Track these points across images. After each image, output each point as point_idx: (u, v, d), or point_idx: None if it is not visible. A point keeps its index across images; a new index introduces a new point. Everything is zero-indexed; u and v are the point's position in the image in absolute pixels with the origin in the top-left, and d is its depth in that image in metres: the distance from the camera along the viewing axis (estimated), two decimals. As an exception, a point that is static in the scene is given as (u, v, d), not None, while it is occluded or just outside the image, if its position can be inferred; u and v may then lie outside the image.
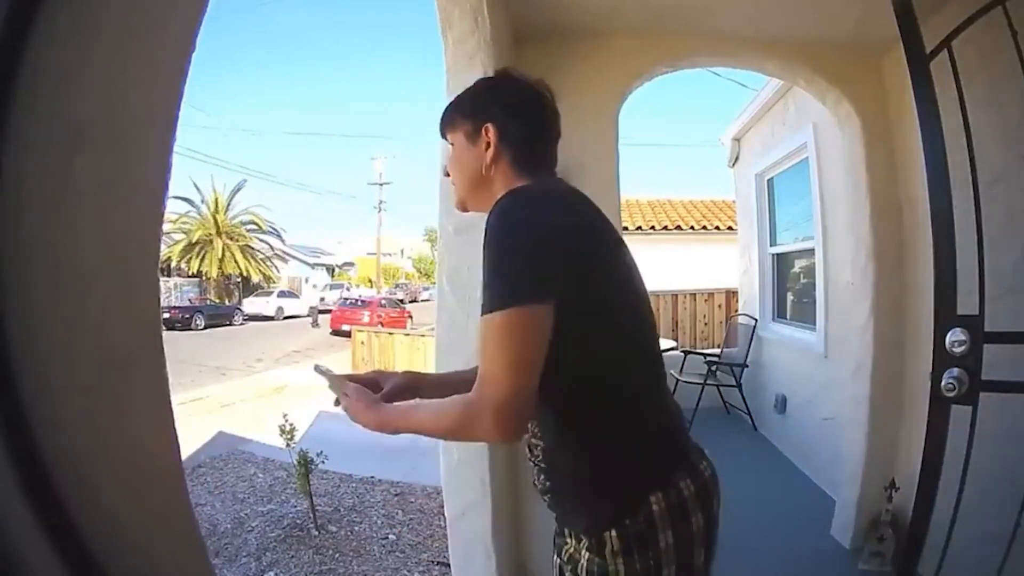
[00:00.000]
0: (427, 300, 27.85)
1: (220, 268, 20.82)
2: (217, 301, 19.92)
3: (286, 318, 19.33)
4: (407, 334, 10.64)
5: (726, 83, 6.54)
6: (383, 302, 18.16)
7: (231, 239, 21.60)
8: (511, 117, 0.88)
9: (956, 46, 1.29)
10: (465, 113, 0.91)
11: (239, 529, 3.02)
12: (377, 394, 0.92)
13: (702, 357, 4.54)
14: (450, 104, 0.95)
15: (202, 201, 21.67)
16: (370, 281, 31.51)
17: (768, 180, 4.16)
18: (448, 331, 1.75)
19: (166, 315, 14.59)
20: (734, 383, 4.17)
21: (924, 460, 1.29)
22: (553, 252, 0.73)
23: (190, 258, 20.51)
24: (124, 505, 0.61)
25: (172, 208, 20.01)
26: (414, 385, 0.99)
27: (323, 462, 2.99)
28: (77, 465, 0.56)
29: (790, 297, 4.02)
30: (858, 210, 2.34)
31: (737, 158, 4.68)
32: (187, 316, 15.74)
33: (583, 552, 0.79)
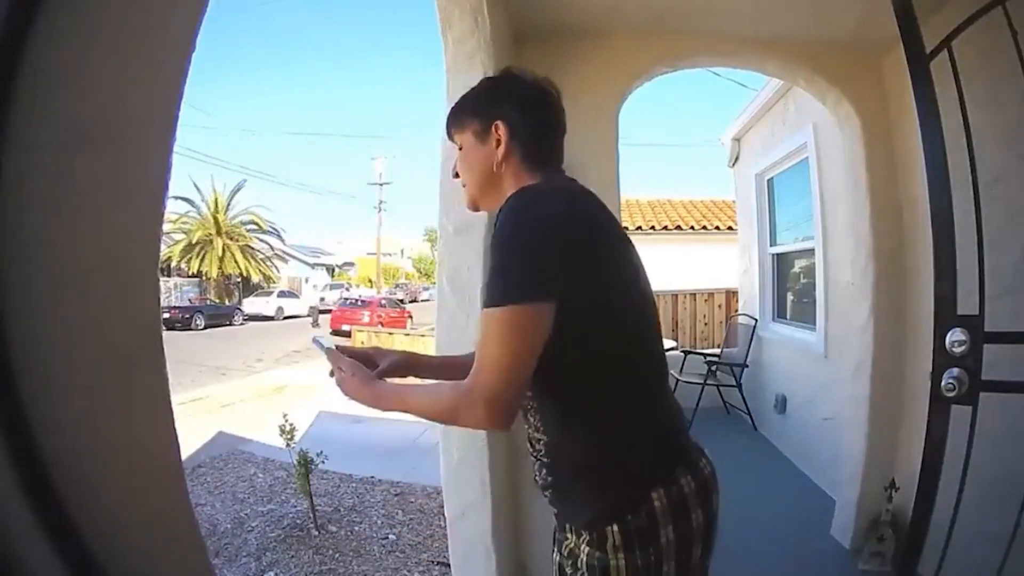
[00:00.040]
0: (427, 300, 27.86)
1: (220, 268, 20.81)
2: (217, 301, 19.92)
3: (286, 318, 19.32)
4: (407, 334, 10.66)
5: (726, 83, 6.55)
6: (383, 302, 18.16)
7: (231, 239, 21.60)
8: (520, 114, 0.88)
9: (956, 46, 1.29)
10: (473, 112, 0.92)
11: (239, 529, 3.01)
12: (373, 371, 0.93)
13: (702, 357, 4.54)
14: (456, 105, 0.95)
15: (202, 201, 21.71)
16: (370, 281, 31.52)
17: (768, 180, 4.16)
18: (448, 331, 1.75)
19: (166, 315, 14.59)
20: (734, 383, 4.17)
21: (924, 460, 1.29)
22: (558, 252, 0.74)
23: (190, 258, 20.50)
24: (124, 505, 0.61)
25: (172, 208, 20.04)
26: (410, 364, 1.01)
27: (323, 462, 2.99)
28: (77, 465, 0.56)
29: (790, 297, 4.02)
30: (858, 210, 2.34)
31: (737, 158, 4.68)
32: (187, 316, 15.73)
33: (583, 547, 0.79)
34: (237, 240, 21.84)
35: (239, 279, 21.94)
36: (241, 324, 17.69)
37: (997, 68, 1.41)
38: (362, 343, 9.92)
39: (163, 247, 14.79)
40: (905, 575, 1.37)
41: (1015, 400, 1.28)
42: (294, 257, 26.89)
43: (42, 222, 0.55)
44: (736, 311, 5.19)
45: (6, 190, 0.51)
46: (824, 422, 2.97)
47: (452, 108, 0.96)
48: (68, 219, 0.56)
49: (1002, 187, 1.58)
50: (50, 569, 0.52)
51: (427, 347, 8.24)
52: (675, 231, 8.96)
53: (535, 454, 0.87)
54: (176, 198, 20.22)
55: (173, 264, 20.21)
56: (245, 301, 20.28)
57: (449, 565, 1.86)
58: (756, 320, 4.19)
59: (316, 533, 2.92)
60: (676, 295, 7.14)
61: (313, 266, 29.48)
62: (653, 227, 8.91)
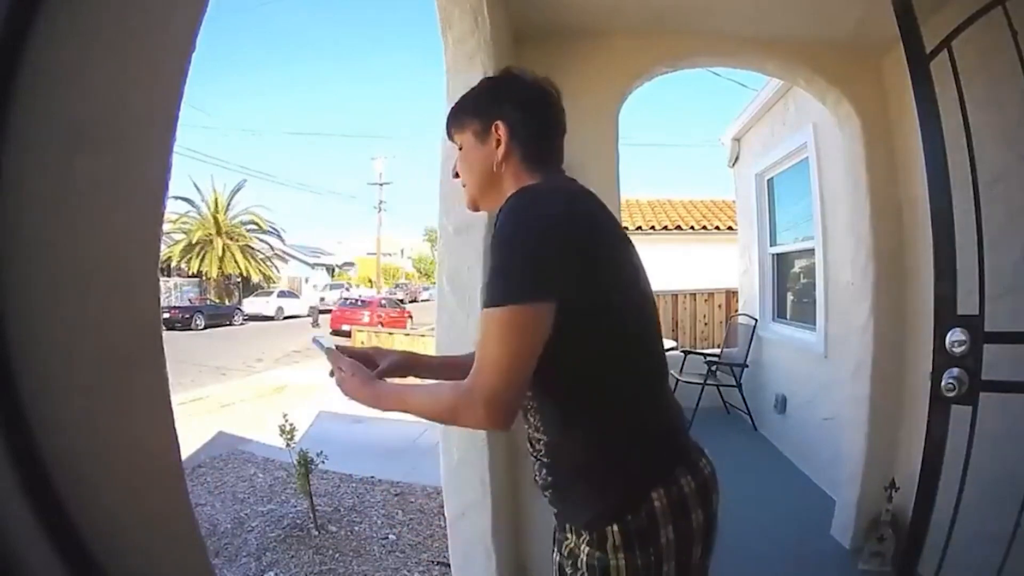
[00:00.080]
0: (427, 300, 27.85)
1: (220, 268, 20.81)
2: (217, 301, 19.92)
3: (286, 318, 19.32)
4: (407, 334, 10.66)
5: (726, 83, 6.55)
6: (383, 302, 18.16)
7: (231, 239, 21.60)
8: (520, 114, 0.88)
9: (956, 46, 1.29)
10: (473, 112, 0.92)
11: (239, 529, 3.01)
12: (373, 370, 0.93)
13: (702, 357, 4.54)
14: (456, 105, 0.95)
15: (202, 201, 21.71)
16: (370, 281, 31.52)
17: (768, 180, 4.16)
18: (448, 331, 1.75)
19: (166, 315, 14.59)
20: (734, 383, 4.17)
21: (924, 460, 1.29)
22: (558, 252, 0.74)
23: (190, 258, 20.50)
24: (124, 505, 0.61)
25: (172, 208, 20.04)
26: (410, 364, 1.01)
27: (323, 462, 2.99)
28: (77, 465, 0.56)
29: (790, 297, 4.02)
30: (858, 210, 2.34)
31: (737, 158, 4.68)
32: (187, 316, 15.73)
33: (583, 547, 0.79)
34: (237, 240, 21.84)
35: (239, 279, 21.94)
36: (241, 324, 17.69)
37: (997, 68, 1.41)
38: (362, 343, 9.91)
39: (163, 247, 14.79)
40: (905, 575, 1.37)
41: (1015, 400, 1.28)
42: (294, 257, 26.89)
43: (42, 222, 0.55)
44: (736, 311, 5.19)
45: (6, 190, 0.51)
46: (824, 422, 2.97)
47: (452, 108, 0.95)
48: (68, 219, 0.56)
49: (1002, 187, 1.58)
50: (50, 569, 0.52)
51: (427, 347, 8.24)
52: (675, 231, 8.97)
53: (535, 454, 0.87)
54: (176, 198, 20.26)
55: (173, 264, 20.21)
56: (245, 301, 20.28)
57: (449, 565, 1.86)
58: (756, 320, 4.19)
59: (316, 533, 2.92)
60: (676, 295, 7.14)
61: (313, 266, 29.48)
62: (653, 227, 8.91)
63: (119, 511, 0.60)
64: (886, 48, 2.18)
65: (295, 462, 2.95)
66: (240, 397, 6.87)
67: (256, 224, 23.05)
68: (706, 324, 7.28)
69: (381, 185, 28.36)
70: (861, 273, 2.34)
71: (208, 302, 19.20)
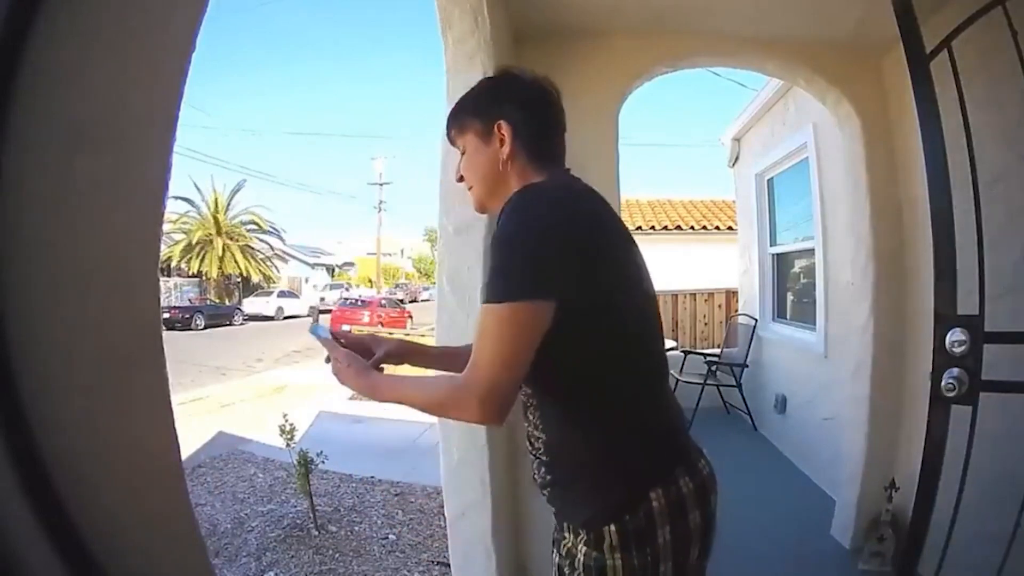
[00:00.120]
0: (427, 300, 27.86)
1: (220, 268, 20.82)
2: (217, 301, 19.92)
3: (286, 318, 19.32)
4: (407, 334, 10.63)
5: (726, 83, 6.55)
6: (383, 302, 18.15)
7: (231, 239, 21.60)
8: (522, 113, 0.88)
9: (956, 46, 1.29)
10: (474, 113, 0.91)
11: (239, 529, 3.01)
12: (369, 359, 0.93)
13: (702, 357, 4.54)
14: (455, 107, 0.95)
15: (202, 201, 21.71)
16: (370, 281, 31.52)
17: (768, 180, 4.16)
18: (448, 331, 1.75)
19: (166, 315, 14.59)
20: (734, 383, 4.17)
21: (924, 460, 1.29)
22: (559, 252, 0.74)
23: (190, 258, 20.50)
24: (124, 505, 0.61)
25: (172, 208, 20.04)
26: (405, 352, 1.02)
27: (323, 462, 2.99)
28: (77, 465, 0.56)
29: (790, 297, 4.02)
30: (858, 210, 2.34)
31: (737, 158, 4.68)
32: (187, 316, 15.73)
33: (580, 546, 0.79)
34: (237, 240, 21.84)
35: (239, 279, 21.94)
36: (241, 324, 17.69)
37: (997, 68, 1.41)
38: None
39: (163, 247, 14.79)
40: (905, 575, 1.37)
41: (1015, 400, 1.28)
42: (294, 257, 26.89)
43: (42, 222, 0.55)
44: (736, 311, 5.19)
45: (6, 190, 0.51)
46: (824, 422, 2.97)
47: (452, 110, 0.95)
48: (68, 219, 0.56)
49: (1002, 187, 1.58)
50: (50, 569, 0.52)
51: (427, 347, 8.22)
52: (675, 231, 8.96)
53: (534, 452, 0.87)
54: (176, 198, 20.26)
55: (173, 264, 20.21)
56: (245, 301, 20.28)
57: (449, 565, 1.86)
58: (756, 320, 4.19)
59: (316, 533, 2.92)
60: (676, 295, 7.14)
61: (313, 266, 29.48)
62: (653, 227, 8.91)
63: (119, 511, 0.60)
64: (886, 48, 2.18)
65: (295, 462, 2.94)
66: (240, 397, 6.86)
67: (256, 224, 23.05)
68: (706, 324, 7.28)
69: (381, 185, 28.38)
70: (861, 273, 2.34)
71: (208, 302, 19.20)
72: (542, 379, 0.80)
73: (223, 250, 20.96)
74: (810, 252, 3.37)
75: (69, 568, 0.53)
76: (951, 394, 1.22)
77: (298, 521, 3.04)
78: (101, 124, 0.59)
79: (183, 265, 20.57)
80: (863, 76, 2.29)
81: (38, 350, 0.54)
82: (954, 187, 1.25)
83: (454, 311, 1.73)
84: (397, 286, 33.31)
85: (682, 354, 4.57)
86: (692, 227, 9.08)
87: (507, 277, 0.73)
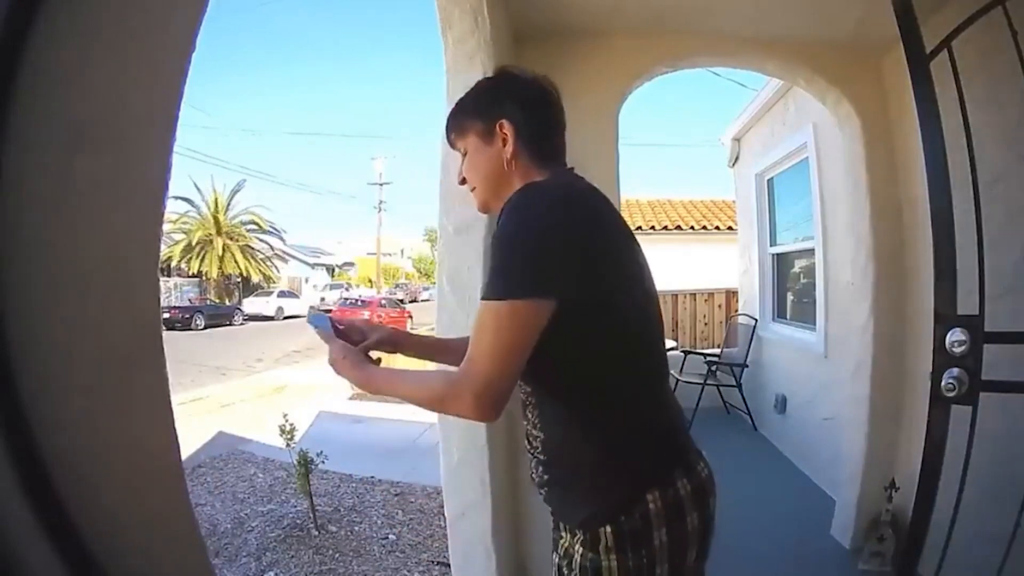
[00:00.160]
0: (427, 300, 27.86)
1: (220, 268, 20.82)
2: (217, 301, 19.92)
3: (286, 318, 19.31)
4: (407, 334, 10.61)
5: (726, 83, 6.55)
6: (383, 302, 18.20)
7: (231, 239, 21.60)
8: (522, 112, 0.88)
9: (956, 46, 1.29)
10: (475, 113, 0.91)
11: (239, 529, 3.01)
12: (360, 343, 0.94)
13: (702, 357, 4.54)
14: (455, 108, 0.94)
15: (202, 201, 21.72)
16: (370, 281, 31.52)
17: (768, 180, 4.16)
18: (448, 331, 1.75)
19: (166, 315, 14.59)
20: (734, 383, 4.17)
21: (924, 460, 1.29)
22: (559, 251, 0.74)
23: (190, 258, 20.51)
24: (124, 505, 0.61)
25: (172, 208, 20.04)
26: (398, 341, 1.02)
27: (323, 462, 2.99)
28: (77, 465, 0.56)
29: (790, 297, 4.02)
30: (858, 210, 2.34)
31: (737, 158, 4.68)
32: (187, 316, 15.73)
33: (577, 547, 0.79)
34: (237, 240, 21.84)
35: (239, 279, 21.94)
36: (241, 324, 17.69)
37: (997, 68, 1.41)
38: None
39: (163, 247, 14.79)
40: (905, 575, 1.37)
41: (1015, 400, 1.28)
42: (294, 257, 26.89)
43: (42, 222, 0.55)
44: (736, 311, 5.19)
45: (6, 190, 0.51)
46: (824, 422, 2.97)
47: (451, 112, 0.94)
48: (68, 219, 0.56)
49: (1002, 187, 1.58)
50: (50, 569, 0.52)
51: (427, 347, 8.22)
52: (675, 231, 8.97)
53: (532, 451, 0.87)
54: (176, 198, 20.27)
55: (173, 264, 20.21)
56: (245, 301, 20.28)
57: (449, 565, 1.86)
58: (756, 320, 4.19)
59: (316, 533, 2.92)
60: (676, 295, 7.14)
61: (313, 266, 29.49)
62: (653, 227, 8.91)
63: (119, 511, 0.60)
64: (886, 48, 2.18)
65: (295, 462, 2.94)
66: (240, 397, 6.86)
67: (256, 224, 23.05)
68: (706, 324, 7.28)
69: (381, 185, 28.38)
70: (861, 273, 2.34)
71: (208, 302, 19.20)
72: (542, 378, 0.80)
73: (223, 250, 20.96)
74: (810, 252, 3.37)
75: (69, 568, 0.53)
76: (951, 394, 1.22)
77: (298, 521, 3.04)
78: (101, 124, 0.59)
79: (183, 265, 20.58)
80: (863, 76, 2.29)
81: (38, 350, 0.54)
82: (954, 187, 1.25)
83: (454, 311, 1.73)
84: (397, 286, 33.31)
85: (682, 354, 4.57)
86: (692, 227, 9.09)
87: (507, 275, 0.73)
